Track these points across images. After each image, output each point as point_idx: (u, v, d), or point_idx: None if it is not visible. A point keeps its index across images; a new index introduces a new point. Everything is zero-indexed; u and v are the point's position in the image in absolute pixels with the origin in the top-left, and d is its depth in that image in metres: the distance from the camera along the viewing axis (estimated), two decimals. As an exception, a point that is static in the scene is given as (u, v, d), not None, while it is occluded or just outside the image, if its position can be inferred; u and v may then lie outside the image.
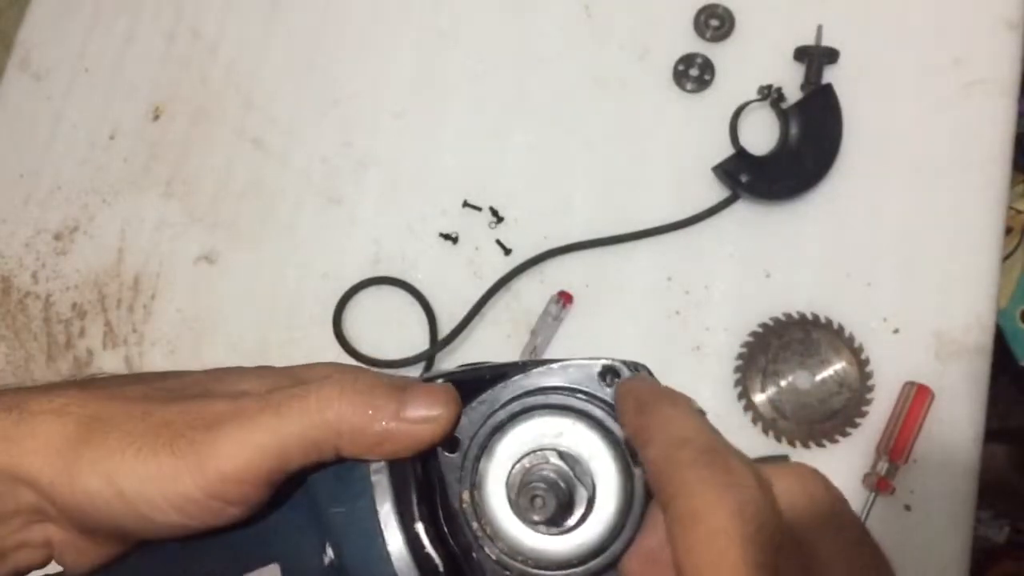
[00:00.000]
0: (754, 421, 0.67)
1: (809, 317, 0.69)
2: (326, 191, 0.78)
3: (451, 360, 0.72)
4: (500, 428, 0.29)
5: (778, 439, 0.67)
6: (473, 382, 0.30)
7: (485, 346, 0.72)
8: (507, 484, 0.28)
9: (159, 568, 0.31)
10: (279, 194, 0.79)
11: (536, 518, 0.26)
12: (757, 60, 0.75)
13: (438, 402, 0.28)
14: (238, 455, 0.27)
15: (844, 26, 0.74)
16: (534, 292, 0.73)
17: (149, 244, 0.79)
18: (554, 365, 0.29)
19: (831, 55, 0.73)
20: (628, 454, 0.28)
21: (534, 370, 0.29)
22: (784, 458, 0.66)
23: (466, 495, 0.29)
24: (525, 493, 0.26)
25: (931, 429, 0.64)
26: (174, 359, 0.75)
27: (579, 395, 0.29)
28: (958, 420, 0.66)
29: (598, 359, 0.29)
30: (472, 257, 0.74)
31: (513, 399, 0.29)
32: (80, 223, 0.80)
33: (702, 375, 0.69)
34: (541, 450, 0.28)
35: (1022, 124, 0.76)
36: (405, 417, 0.28)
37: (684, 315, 0.71)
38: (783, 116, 0.72)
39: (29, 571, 0.31)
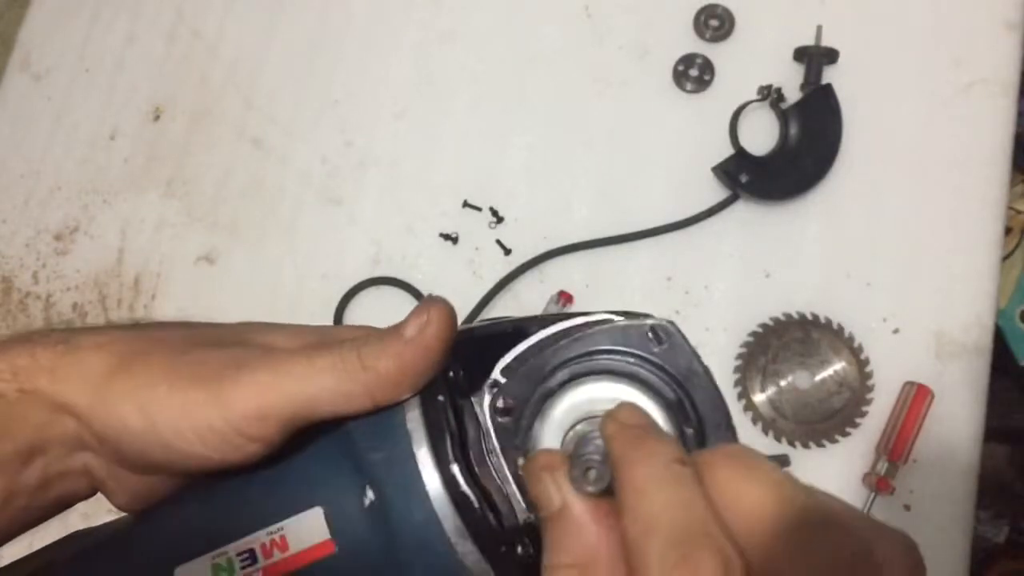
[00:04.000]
0: (754, 421, 0.67)
1: (809, 317, 0.69)
2: (326, 191, 0.78)
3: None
4: (552, 394, 0.29)
5: (778, 439, 0.67)
6: (496, 336, 0.31)
7: (485, 346, 0.72)
8: (561, 451, 0.28)
9: (201, 512, 0.32)
10: (279, 194, 0.79)
11: (590, 489, 0.25)
12: (757, 60, 0.75)
13: (423, 310, 0.30)
14: (262, 396, 0.29)
15: (844, 26, 0.74)
16: (534, 292, 0.73)
17: (149, 244, 0.79)
18: (601, 327, 0.29)
19: (831, 55, 0.73)
20: (680, 418, 0.28)
21: (584, 332, 0.29)
22: (784, 458, 0.66)
23: (521, 460, 0.28)
24: (579, 464, 0.25)
25: (931, 429, 0.64)
26: (174, 359, 0.75)
27: (630, 358, 0.29)
28: (958, 420, 0.66)
29: (641, 319, 0.30)
30: (472, 257, 0.74)
31: (564, 363, 0.29)
32: (80, 223, 0.80)
33: (702, 375, 0.69)
34: (595, 417, 0.28)
35: (1022, 124, 0.76)
36: (409, 338, 0.29)
37: (684, 315, 0.71)
38: (783, 116, 0.72)
39: (73, 500, 0.32)
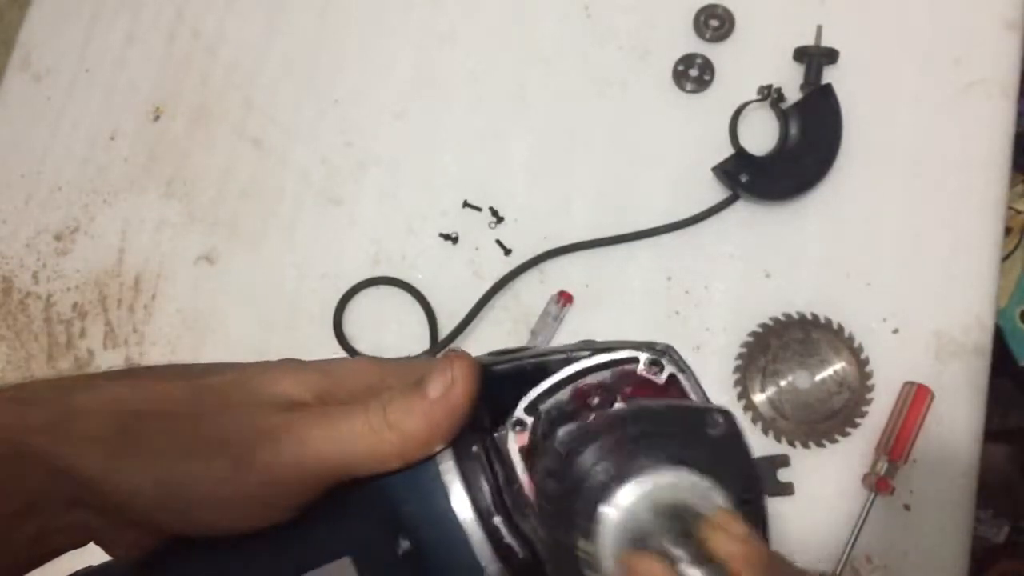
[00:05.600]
0: (754, 421, 0.67)
1: (809, 317, 0.69)
2: (326, 191, 0.78)
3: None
4: (615, 480, 0.27)
5: (778, 439, 0.67)
6: (514, 374, 0.30)
7: (485, 346, 0.72)
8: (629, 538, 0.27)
9: (221, 567, 0.31)
10: (279, 194, 0.79)
11: None
12: (757, 60, 0.75)
13: (447, 366, 0.29)
14: (294, 467, 0.28)
15: (844, 26, 0.74)
16: (534, 292, 0.73)
17: (149, 244, 0.79)
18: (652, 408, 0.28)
19: (831, 55, 0.73)
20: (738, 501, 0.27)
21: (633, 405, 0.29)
22: (784, 458, 0.66)
23: (582, 543, 0.27)
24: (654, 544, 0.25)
25: (931, 429, 0.65)
26: (174, 359, 0.75)
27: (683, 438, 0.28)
28: (958, 420, 0.66)
29: (664, 357, 0.29)
30: (472, 257, 0.75)
31: (618, 446, 0.27)
32: (81, 223, 0.80)
33: (702, 375, 0.68)
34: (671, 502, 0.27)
35: (1022, 124, 0.76)
36: (435, 399, 0.29)
37: (684, 315, 0.71)
38: (783, 116, 0.72)
39: (68, 550, 0.31)
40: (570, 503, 0.27)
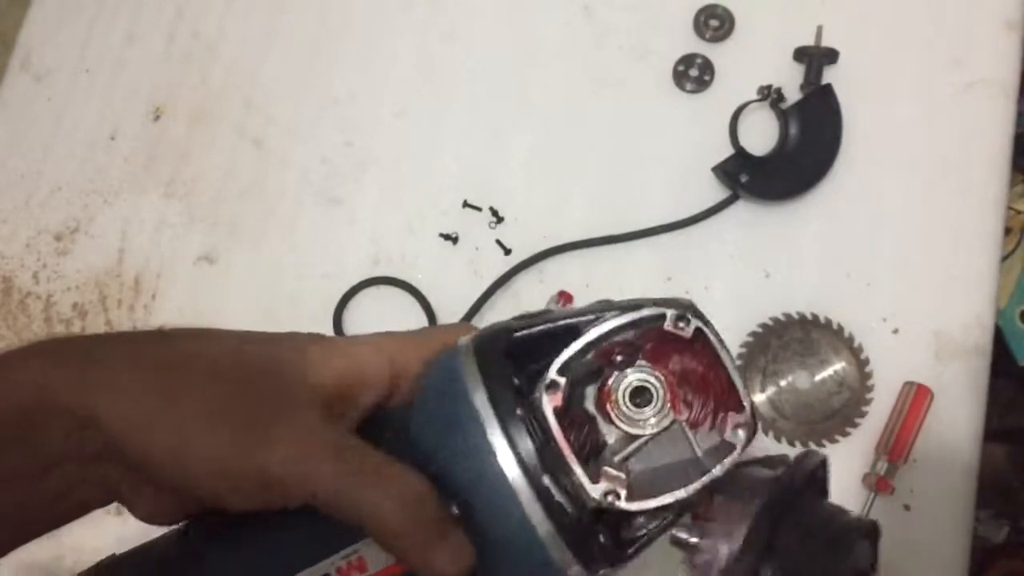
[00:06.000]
0: (754, 421, 0.67)
1: (809, 317, 0.69)
2: (326, 191, 0.78)
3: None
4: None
5: (778, 439, 0.67)
6: (541, 337, 0.31)
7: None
8: None
9: (264, 543, 0.31)
10: (279, 194, 0.79)
11: None
12: (757, 60, 0.75)
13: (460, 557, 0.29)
14: (303, 474, 0.28)
15: (844, 26, 0.74)
16: (534, 292, 0.73)
17: (150, 244, 0.79)
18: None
19: (831, 55, 0.73)
20: None
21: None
22: (784, 458, 0.66)
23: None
24: None
25: (930, 429, 0.64)
26: (175, 359, 0.75)
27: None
28: (957, 420, 0.66)
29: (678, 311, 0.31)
30: (472, 257, 0.75)
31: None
32: (81, 223, 0.80)
33: (702, 375, 0.69)
34: None
35: (1022, 124, 0.76)
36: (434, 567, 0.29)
37: (684, 315, 0.71)
38: (783, 116, 0.72)
39: (90, 508, 0.31)
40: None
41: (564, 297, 0.71)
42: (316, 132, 0.80)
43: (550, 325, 0.32)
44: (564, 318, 0.32)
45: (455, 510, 0.29)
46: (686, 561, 0.29)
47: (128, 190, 0.81)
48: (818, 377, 0.67)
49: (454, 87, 0.79)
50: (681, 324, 0.31)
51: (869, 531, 0.27)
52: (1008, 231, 0.99)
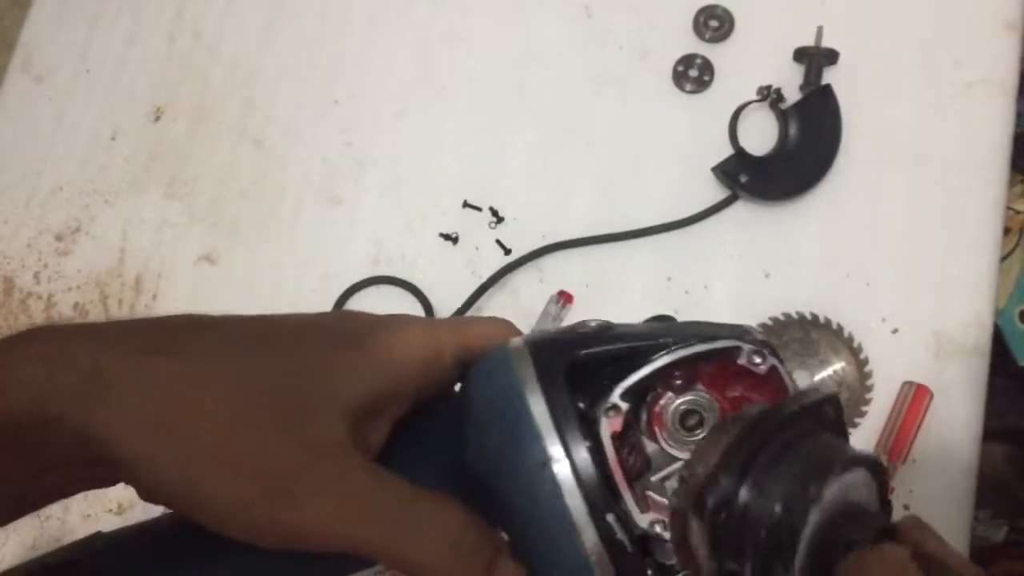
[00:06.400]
0: (753, 421, 0.67)
1: (808, 317, 0.69)
2: (326, 191, 0.78)
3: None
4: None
5: (777, 439, 0.67)
6: (603, 358, 0.29)
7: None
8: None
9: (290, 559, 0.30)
10: (279, 194, 0.79)
11: None
12: (756, 61, 0.75)
13: None
14: (324, 534, 0.26)
15: (843, 27, 0.74)
16: (534, 292, 0.73)
17: (150, 244, 0.79)
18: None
19: (831, 56, 0.73)
20: None
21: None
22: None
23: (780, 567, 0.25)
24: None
25: (930, 429, 0.65)
26: (175, 359, 0.76)
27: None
28: (957, 420, 0.66)
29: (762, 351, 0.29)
30: (472, 257, 0.75)
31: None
32: (82, 223, 0.81)
33: (701, 375, 0.69)
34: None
35: (1021, 124, 0.76)
36: None
37: (684, 315, 0.71)
38: (782, 117, 0.72)
39: (95, 488, 0.30)
40: (759, 522, 0.25)
41: (564, 297, 0.72)
42: (316, 132, 0.80)
43: (616, 347, 0.30)
44: (628, 340, 0.30)
45: (503, 533, 0.28)
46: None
47: (129, 190, 0.81)
48: (817, 377, 0.68)
49: (454, 87, 0.79)
50: (757, 360, 0.29)
51: (865, 462, 0.26)
52: (1007, 231, 0.99)
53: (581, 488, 0.27)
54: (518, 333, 0.34)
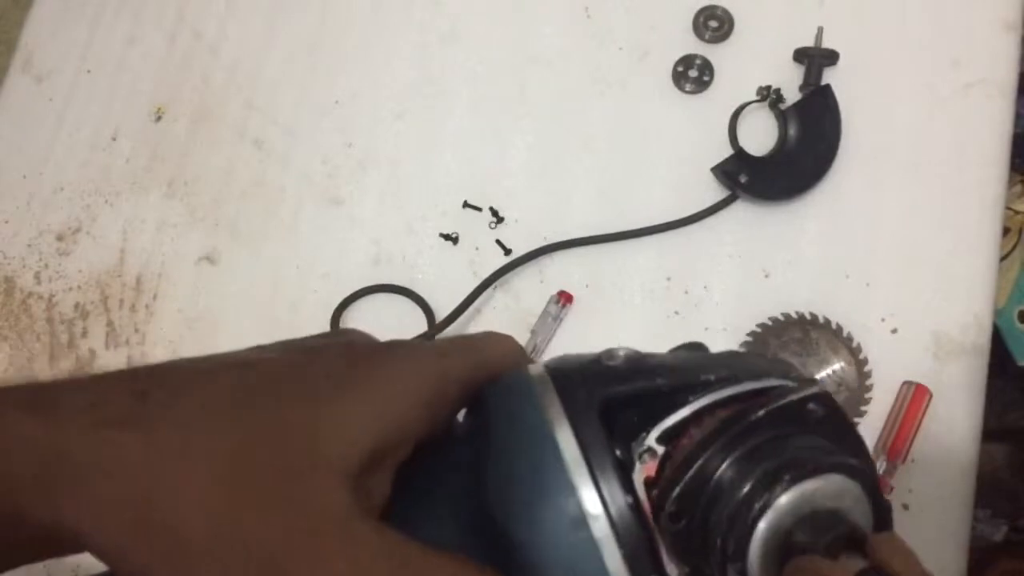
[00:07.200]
0: (753, 421, 0.67)
1: (808, 317, 0.69)
2: (327, 191, 0.78)
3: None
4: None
5: (777, 438, 0.67)
6: (642, 395, 0.27)
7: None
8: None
9: None
10: (280, 195, 0.79)
11: None
12: (756, 61, 0.75)
13: None
14: None
15: (843, 27, 0.74)
16: (534, 292, 0.73)
17: (151, 244, 0.79)
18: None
19: (831, 56, 0.73)
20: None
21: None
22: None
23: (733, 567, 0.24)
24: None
25: (929, 429, 0.65)
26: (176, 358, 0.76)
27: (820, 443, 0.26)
28: (956, 420, 0.66)
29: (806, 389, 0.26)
30: (472, 258, 0.75)
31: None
32: (82, 224, 0.81)
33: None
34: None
35: (1020, 124, 0.76)
36: None
37: (683, 315, 0.71)
38: (782, 117, 0.72)
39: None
40: (716, 529, 0.24)
41: (564, 297, 0.72)
42: (317, 133, 0.80)
43: (656, 384, 0.27)
44: (667, 375, 0.28)
45: None
46: None
47: (129, 190, 0.81)
48: (817, 377, 0.68)
49: (454, 87, 0.79)
50: (812, 407, 0.27)
51: (841, 468, 0.24)
52: (1006, 231, 0.99)
53: (621, 548, 0.24)
54: (523, 350, 0.32)
